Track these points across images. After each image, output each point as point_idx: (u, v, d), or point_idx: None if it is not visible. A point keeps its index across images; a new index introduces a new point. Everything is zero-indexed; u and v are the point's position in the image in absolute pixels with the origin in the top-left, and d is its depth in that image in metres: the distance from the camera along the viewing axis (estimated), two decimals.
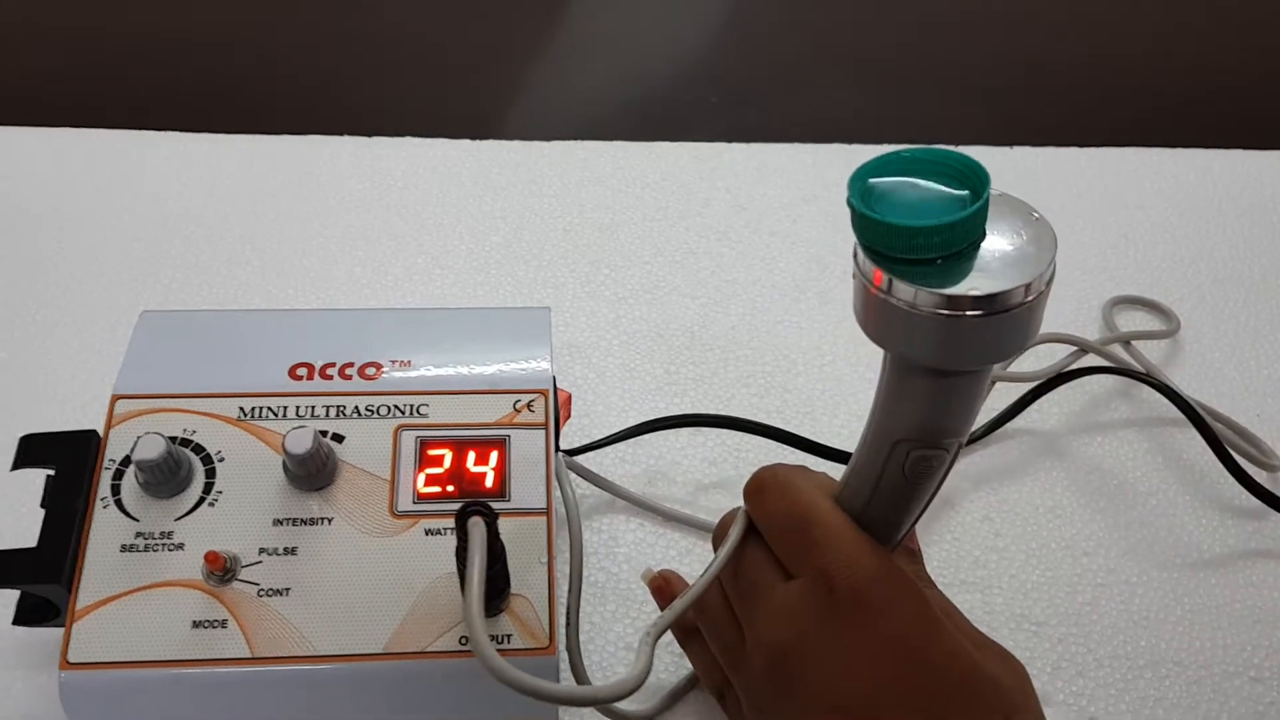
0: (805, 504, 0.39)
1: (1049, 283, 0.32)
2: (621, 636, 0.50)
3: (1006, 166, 0.76)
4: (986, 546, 0.55)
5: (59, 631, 0.46)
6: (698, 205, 0.72)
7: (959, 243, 0.31)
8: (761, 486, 0.41)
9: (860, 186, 0.32)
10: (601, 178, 0.74)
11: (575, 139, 0.76)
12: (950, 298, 0.31)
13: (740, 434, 0.56)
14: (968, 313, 0.31)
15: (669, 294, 0.66)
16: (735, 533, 0.41)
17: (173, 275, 0.65)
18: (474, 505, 0.38)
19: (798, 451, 0.55)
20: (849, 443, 0.56)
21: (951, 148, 0.33)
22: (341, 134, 0.75)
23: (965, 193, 0.32)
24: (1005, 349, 0.33)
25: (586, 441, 0.55)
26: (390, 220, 0.70)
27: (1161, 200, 0.75)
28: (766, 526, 0.40)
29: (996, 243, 0.32)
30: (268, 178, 0.72)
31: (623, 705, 0.45)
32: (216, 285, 0.64)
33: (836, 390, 0.61)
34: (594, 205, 0.72)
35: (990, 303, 0.31)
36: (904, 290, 0.32)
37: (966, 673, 0.36)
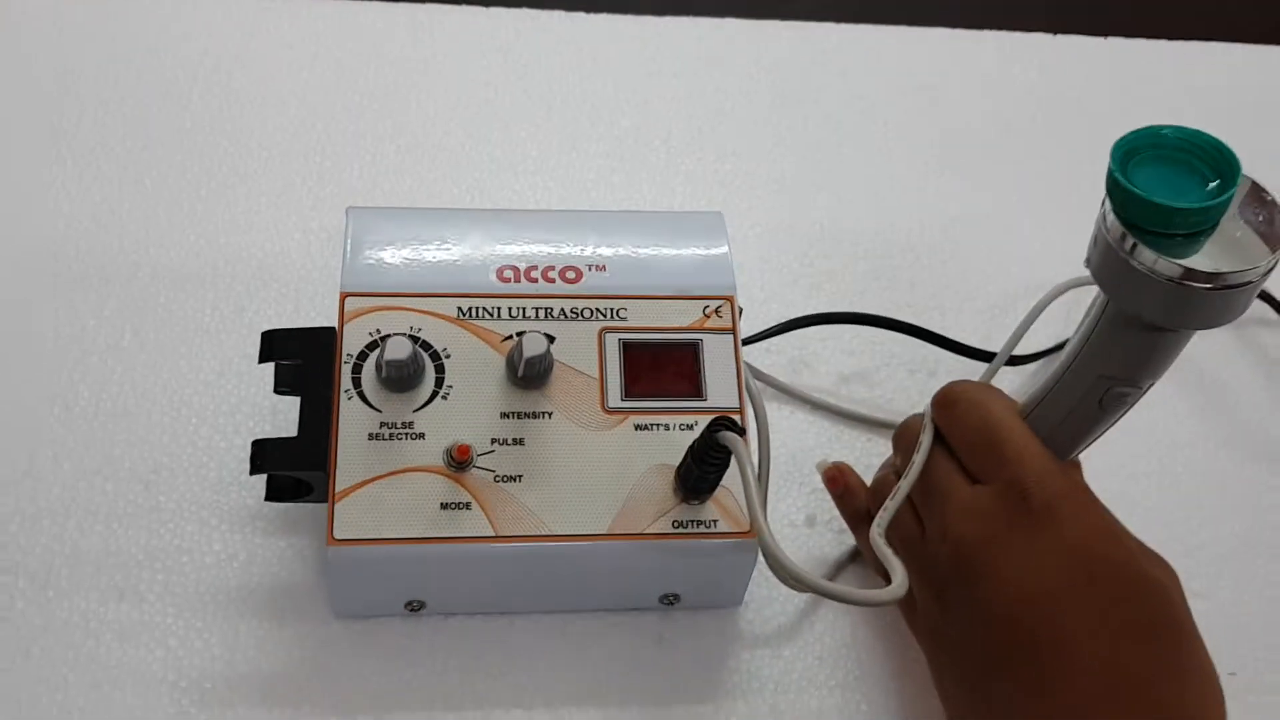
0: (998, 421, 0.44)
1: (1273, 268, 0.36)
2: (786, 515, 0.56)
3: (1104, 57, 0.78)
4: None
5: (284, 505, 0.52)
6: (813, 92, 0.75)
7: (1207, 224, 0.35)
8: (955, 401, 0.46)
9: (1120, 158, 0.36)
10: (716, 59, 0.75)
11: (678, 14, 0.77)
12: (1188, 269, 0.36)
13: (876, 329, 0.61)
14: (1200, 284, 0.36)
15: (797, 186, 0.69)
16: (926, 440, 0.46)
17: (325, 154, 0.67)
18: (722, 420, 0.43)
19: (931, 346, 0.60)
20: (976, 339, 0.62)
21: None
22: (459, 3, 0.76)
23: (1213, 176, 0.36)
24: (1222, 318, 0.37)
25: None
26: (519, 99, 0.72)
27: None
28: (956, 437, 0.46)
29: (1234, 222, 0.36)
30: (387, 46, 0.73)
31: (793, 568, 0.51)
32: (367, 165, 0.67)
33: (961, 284, 0.65)
34: (713, 88, 0.74)
35: (1222, 278, 0.35)
36: (1147, 256, 0.36)
37: (1136, 576, 0.42)
